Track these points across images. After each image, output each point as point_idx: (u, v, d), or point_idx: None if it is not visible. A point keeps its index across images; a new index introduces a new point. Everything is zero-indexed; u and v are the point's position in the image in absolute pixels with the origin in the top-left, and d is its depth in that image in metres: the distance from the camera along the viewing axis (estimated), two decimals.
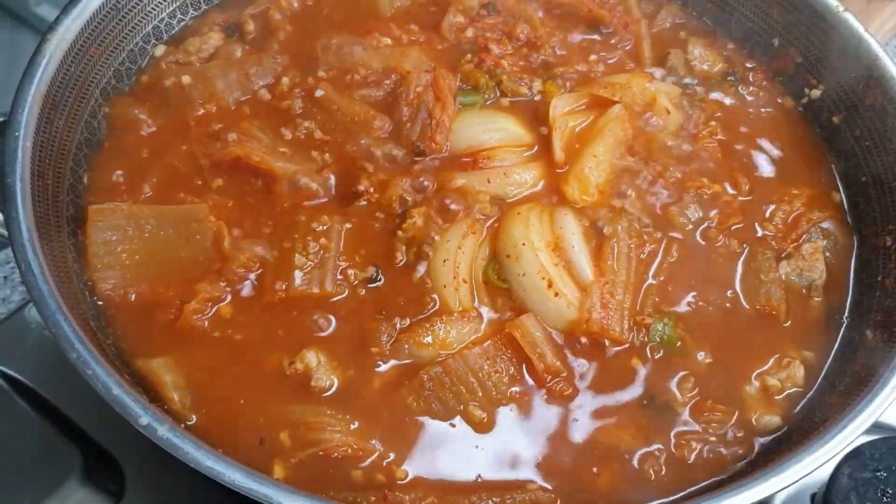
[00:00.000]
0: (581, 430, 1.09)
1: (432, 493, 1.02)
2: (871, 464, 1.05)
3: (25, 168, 1.10)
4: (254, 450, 1.03)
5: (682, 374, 1.14)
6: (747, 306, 1.20)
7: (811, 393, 1.16)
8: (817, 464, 0.98)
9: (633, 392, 1.12)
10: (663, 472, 1.07)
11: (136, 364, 1.09)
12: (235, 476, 0.91)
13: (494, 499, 1.02)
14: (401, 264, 1.18)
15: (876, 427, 1.03)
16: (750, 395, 1.14)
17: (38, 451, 1.24)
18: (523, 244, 1.17)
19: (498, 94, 1.37)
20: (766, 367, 1.16)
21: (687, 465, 1.08)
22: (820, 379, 1.18)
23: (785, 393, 1.15)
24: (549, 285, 1.14)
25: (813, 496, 1.18)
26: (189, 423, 1.05)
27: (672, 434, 1.10)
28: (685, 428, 1.10)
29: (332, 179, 1.25)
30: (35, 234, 1.05)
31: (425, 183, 1.25)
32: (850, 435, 1.00)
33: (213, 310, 1.13)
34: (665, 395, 1.12)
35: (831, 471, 1.05)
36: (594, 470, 1.07)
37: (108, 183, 1.24)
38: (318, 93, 1.32)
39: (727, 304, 1.20)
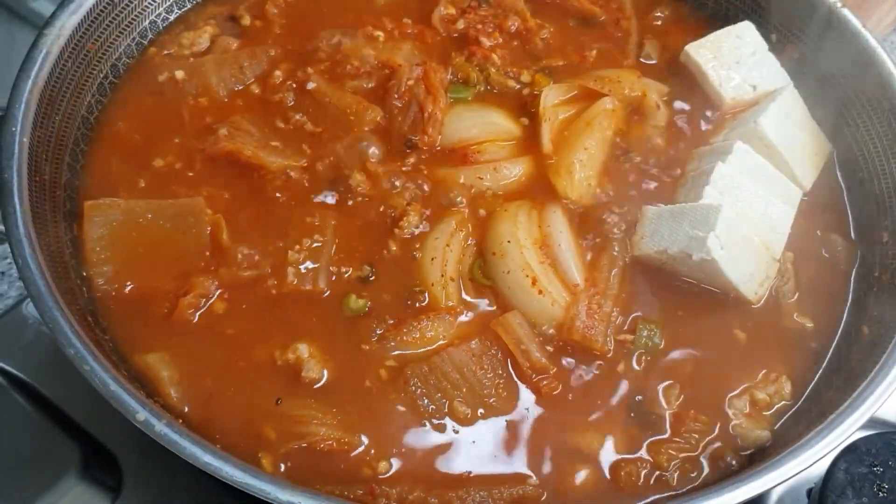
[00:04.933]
0: (565, 428, 1.09)
1: (418, 487, 1.03)
2: (868, 459, 1.05)
3: (23, 163, 1.10)
4: (244, 443, 1.03)
5: (667, 382, 1.14)
6: (736, 314, 1.20)
7: (799, 404, 1.16)
8: (813, 459, 0.98)
9: (619, 396, 1.12)
10: (643, 478, 1.07)
11: (133, 359, 1.09)
12: (232, 471, 0.91)
13: (481, 492, 1.02)
14: (392, 261, 1.18)
15: (872, 422, 1.03)
16: (738, 409, 1.13)
17: (35, 447, 1.24)
18: (508, 241, 1.17)
19: (488, 87, 1.36)
20: (754, 382, 1.15)
21: (667, 473, 1.08)
22: (813, 383, 1.18)
23: (774, 406, 1.15)
24: (533, 283, 1.14)
25: (809, 491, 1.18)
26: (183, 416, 1.05)
27: (655, 441, 1.10)
28: (666, 436, 1.10)
29: (324, 174, 1.24)
30: (32, 229, 1.05)
31: (417, 178, 1.24)
32: (847, 430, 1.00)
33: (208, 303, 1.13)
34: (650, 402, 1.12)
35: (827, 466, 1.06)
36: (576, 469, 1.07)
37: (103, 177, 1.24)
38: (310, 85, 1.31)
39: (716, 313, 1.20)
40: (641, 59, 1.44)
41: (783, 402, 1.15)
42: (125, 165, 1.25)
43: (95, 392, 0.94)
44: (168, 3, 1.40)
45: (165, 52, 1.37)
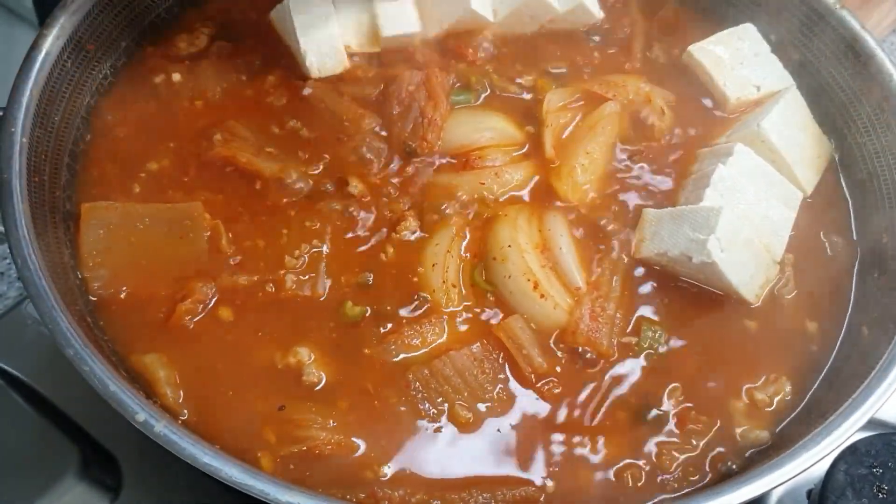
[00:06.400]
0: (567, 430, 1.09)
1: (420, 490, 1.02)
2: (867, 460, 1.05)
3: (22, 164, 1.10)
4: (243, 445, 1.03)
5: (670, 383, 1.14)
6: (737, 315, 1.20)
7: (800, 405, 1.16)
8: (813, 460, 0.98)
9: (622, 398, 1.12)
10: (644, 480, 1.07)
11: (131, 359, 1.08)
12: (232, 472, 0.91)
13: (484, 494, 1.02)
14: (391, 267, 1.18)
15: (872, 423, 1.03)
16: (738, 409, 1.13)
17: (35, 448, 1.24)
18: (509, 246, 1.17)
19: (489, 92, 1.36)
20: (755, 383, 1.15)
21: (668, 474, 1.08)
22: (813, 384, 1.18)
23: (773, 406, 1.15)
24: (535, 287, 1.14)
25: (809, 493, 1.18)
26: (182, 418, 1.05)
27: (657, 442, 1.10)
28: (669, 437, 1.10)
29: (322, 180, 1.24)
30: (31, 229, 1.05)
31: (416, 184, 1.24)
32: (847, 431, 1.00)
33: (206, 309, 1.13)
34: (653, 404, 1.12)
35: (827, 467, 1.06)
36: (579, 471, 1.07)
37: (100, 179, 1.24)
38: (306, 91, 1.30)
39: (717, 314, 1.20)
40: (645, 61, 1.44)
41: (783, 403, 1.15)
42: (120, 168, 1.24)
43: (95, 392, 0.94)
44: (167, 4, 1.40)
45: (163, 53, 1.36)
